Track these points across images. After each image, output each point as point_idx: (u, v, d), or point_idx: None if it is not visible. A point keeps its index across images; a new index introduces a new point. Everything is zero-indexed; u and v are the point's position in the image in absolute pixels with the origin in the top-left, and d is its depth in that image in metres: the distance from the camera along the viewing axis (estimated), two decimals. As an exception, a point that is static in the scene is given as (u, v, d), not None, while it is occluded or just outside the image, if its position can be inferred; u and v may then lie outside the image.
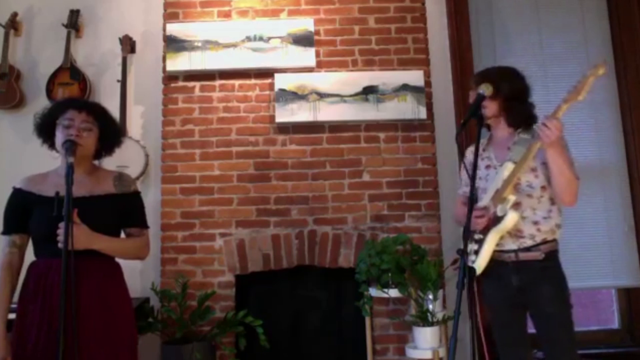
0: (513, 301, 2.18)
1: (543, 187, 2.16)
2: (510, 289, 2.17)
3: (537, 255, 2.14)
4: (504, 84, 2.20)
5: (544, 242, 2.15)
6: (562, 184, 2.06)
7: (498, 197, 2.14)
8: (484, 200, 2.22)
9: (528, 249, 2.14)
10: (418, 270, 2.80)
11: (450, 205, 3.26)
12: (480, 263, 2.17)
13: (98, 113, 2.06)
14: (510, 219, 2.10)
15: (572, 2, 3.58)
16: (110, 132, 2.10)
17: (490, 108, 2.20)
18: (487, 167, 2.28)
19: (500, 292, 2.20)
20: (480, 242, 2.19)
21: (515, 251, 2.16)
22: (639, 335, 3.31)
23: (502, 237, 2.15)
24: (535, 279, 2.12)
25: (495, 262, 2.17)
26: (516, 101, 2.22)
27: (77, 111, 1.99)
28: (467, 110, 2.28)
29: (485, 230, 2.17)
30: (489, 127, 2.34)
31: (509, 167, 2.14)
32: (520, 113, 2.22)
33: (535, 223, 2.15)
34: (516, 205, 2.13)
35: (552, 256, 2.16)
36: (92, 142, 2.02)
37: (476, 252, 2.19)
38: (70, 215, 1.78)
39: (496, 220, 2.14)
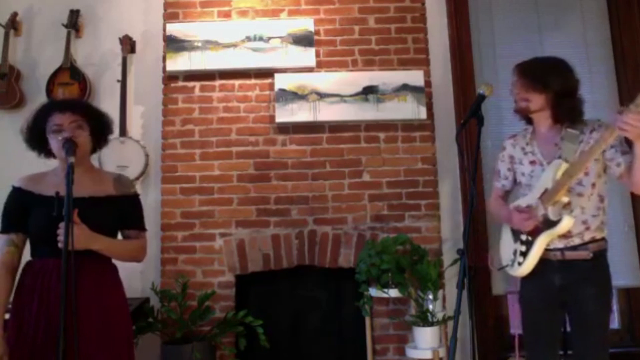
0: (552, 301, 2.11)
1: (593, 185, 2.08)
2: (551, 288, 2.10)
3: (585, 254, 2.07)
4: (556, 78, 2.11)
5: (593, 240, 2.08)
6: None
7: (549, 198, 2.05)
8: (529, 199, 2.16)
9: (575, 248, 2.08)
10: (418, 270, 2.80)
11: (451, 205, 3.28)
12: (527, 265, 2.12)
13: (82, 109, 2.03)
14: (566, 224, 2.02)
15: (572, 2, 3.58)
16: (101, 124, 2.08)
17: (535, 102, 2.13)
18: (532, 162, 2.19)
19: (540, 292, 2.13)
20: (528, 244, 2.12)
21: (561, 250, 2.09)
22: (639, 335, 3.31)
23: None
24: (580, 278, 2.05)
25: (540, 259, 2.11)
26: (566, 96, 2.12)
27: (61, 113, 1.96)
28: (467, 110, 2.24)
29: (535, 233, 2.09)
30: (530, 121, 2.25)
31: (562, 166, 2.04)
32: (569, 108, 2.13)
33: (584, 222, 2.07)
34: (566, 206, 2.05)
35: (600, 255, 2.09)
36: (87, 139, 2.01)
37: (523, 254, 2.13)
38: (70, 215, 1.78)
39: (548, 223, 2.06)
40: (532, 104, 2.14)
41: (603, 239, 2.12)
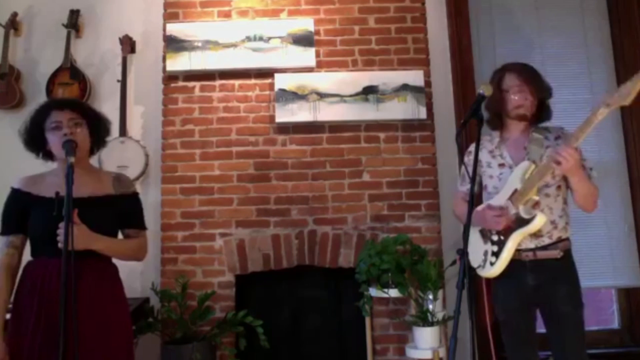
0: (526, 301, 2.16)
1: (558, 187, 2.17)
2: (525, 288, 2.15)
3: (555, 253, 2.13)
4: (544, 80, 2.22)
5: (560, 240, 2.15)
6: (585, 201, 2.10)
7: (520, 197, 2.11)
8: (497, 200, 2.20)
9: (545, 248, 2.13)
10: (418, 270, 2.80)
11: (451, 205, 3.25)
12: (500, 265, 2.15)
13: (80, 107, 2.05)
14: (539, 221, 2.08)
15: (572, 2, 3.58)
16: (98, 123, 2.09)
17: (534, 105, 2.20)
18: (501, 165, 2.25)
19: (514, 292, 2.18)
20: (500, 244, 2.16)
21: (533, 250, 2.14)
22: (639, 335, 3.31)
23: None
24: (551, 278, 2.12)
25: (511, 261, 2.15)
26: (548, 98, 2.25)
27: (60, 110, 1.98)
28: (467, 110, 2.26)
29: (507, 232, 2.13)
30: (497, 127, 2.30)
31: (530, 168, 2.12)
32: (548, 112, 2.25)
33: (552, 222, 2.14)
34: (535, 205, 2.11)
35: (568, 254, 2.17)
36: (86, 137, 2.02)
37: (495, 254, 2.16)
38: (70, 215, 1.78)
39: (520, 222, 2.11)
40: (534, 107, 2.22)
41: (567, 238, 2.19)
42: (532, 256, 2.14)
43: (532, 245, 2.14)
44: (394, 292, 2.81)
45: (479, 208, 2.26)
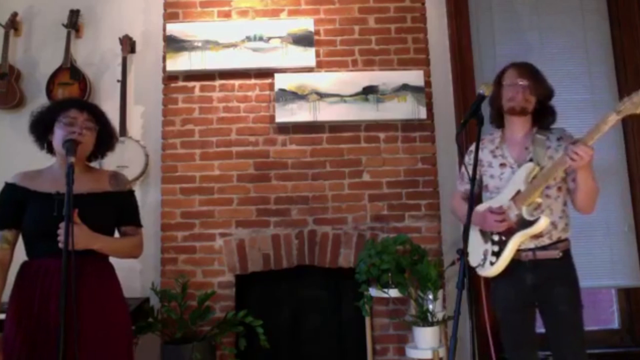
0: (525, 301, 2.17)
1: (559, 188, 2.18)
2: (524, 287, 2.16)
3: (554, 253, 2.15)
4: (546, 83, 2.23)
5: (560, 240, 2.16)
6: (588, 199, 2.10)
7: (524, 199, 2.12)
8: (499, 200, 2.20)
9: (545, 248, 2.15)
10: (418, 270, 2.80)
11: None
12: (500, 265, 2.16)
13: (98, 115, 2.08)
14: (542, 223, 2.09)
15: (572, 2, 3.58)
16: (108, 135, 2.12)
17: (532, 103, 2.21)
18: (502, 165, 2.25)
19: (513, 292, 2.19)
20: (501, 244, 2.17)
21: (533, 250, 2.15)
22: (639, 335, 3.31)
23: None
24: (550, 278, 2.13)
25: (511, 260, 2.16)
26: (549, 100, 2.25)
27: (80, 110, 2.00)
28: (467, 110, 2.26)
29: (508, 232, 2.14)
30: (500, 125, 2.32)
31: (534, 169, 2.12)
32: (552, 112, 2.25)
33: (552, 223, 2.15)
34: (537, 207, 2.13)
35: (567, 255, 2.18)
36: (91, 141, 2.03)
37: (495, 254, 2.17)
38: (70, 215, 1.78)
39: (523, 223, 2.12)
40: (531, 105, 2.21)
41: (567, 239, 2.20)
42: (532, 256, 2.15)
43: (531, 245, 2.15)
44: (394, 292, 2.81)
45: (480, 209, 2.26)
